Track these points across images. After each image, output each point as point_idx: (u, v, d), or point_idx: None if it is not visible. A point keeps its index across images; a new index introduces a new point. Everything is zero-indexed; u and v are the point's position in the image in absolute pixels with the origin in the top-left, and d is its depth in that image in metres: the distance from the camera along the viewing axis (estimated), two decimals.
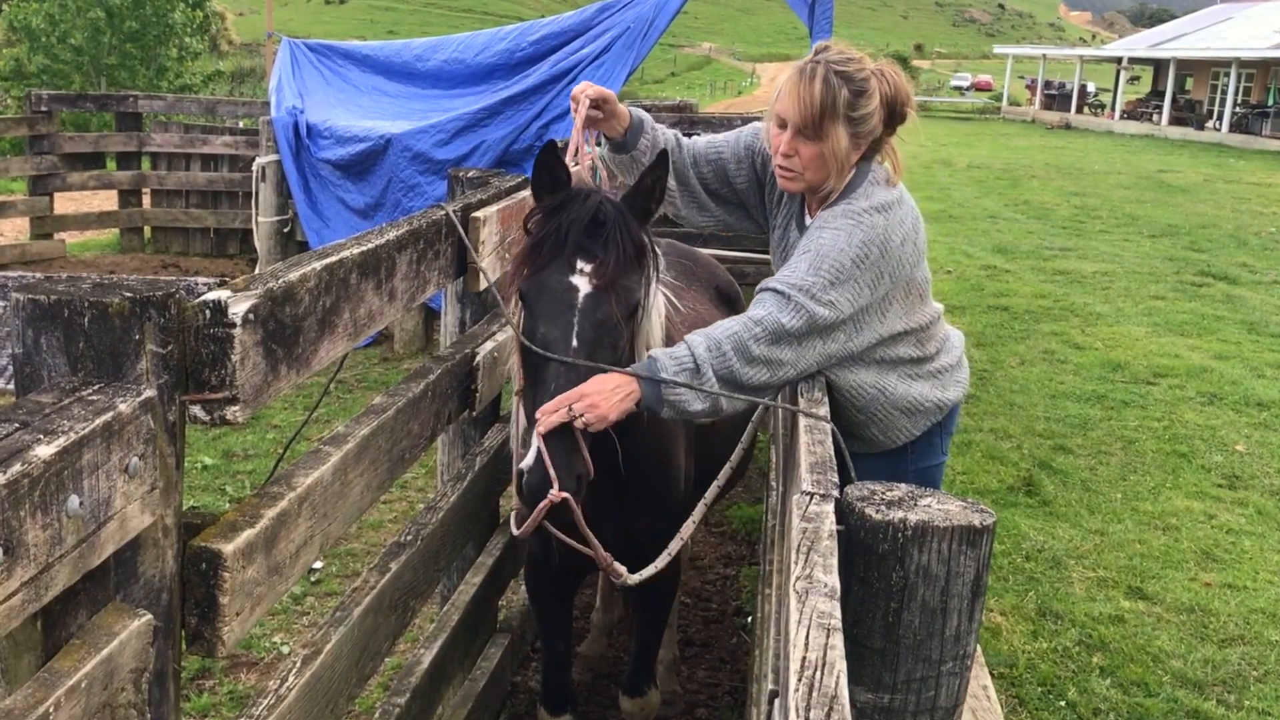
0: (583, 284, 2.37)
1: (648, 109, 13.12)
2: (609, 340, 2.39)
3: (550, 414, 2.26)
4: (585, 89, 2.68)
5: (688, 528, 2.60)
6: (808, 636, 1.34)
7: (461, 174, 3.71)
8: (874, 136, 2.58)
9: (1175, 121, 41.81)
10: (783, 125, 2.55)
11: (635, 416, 2.72)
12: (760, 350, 2.39)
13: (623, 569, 2.53)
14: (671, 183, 2.79)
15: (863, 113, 2.52)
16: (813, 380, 2.47)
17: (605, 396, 2.30)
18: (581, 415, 2.27)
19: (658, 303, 2.78)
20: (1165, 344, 9.31)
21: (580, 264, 2.38)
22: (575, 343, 2.33)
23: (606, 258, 2.37)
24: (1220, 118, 40.21)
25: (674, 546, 2.56)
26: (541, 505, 2.23)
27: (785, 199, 2.80)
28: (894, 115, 2.59)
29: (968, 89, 74.81)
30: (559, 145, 2.49)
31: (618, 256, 2.38)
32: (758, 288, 2.50)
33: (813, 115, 2.48)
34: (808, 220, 2.71)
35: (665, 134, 2.83)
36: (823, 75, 2.49)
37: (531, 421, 2.30)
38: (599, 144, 2.84)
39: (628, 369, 2.39)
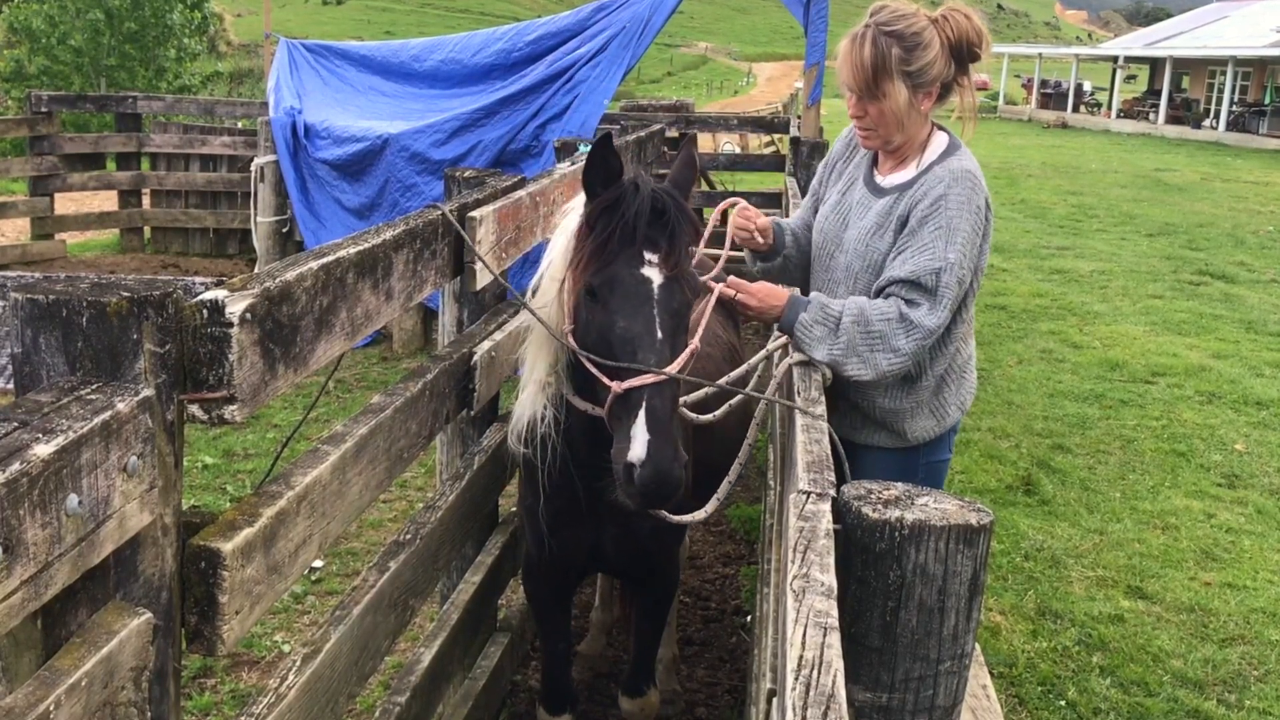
0: (655, 275, 2.39)
1: (644, 109, 12.93)
2: (683, 326, 2.43)
3: (731, 289, 2.67)
4: (755, 217, 2.90)
5: (712, 504, 2.78)
6: (805, 635, 1.34)
7: (458, 174, 3.70)
8: (942, 80, 2.68)
9: (1172, 120, 41.74)
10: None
11: None
12: (902, 343, 2.55)
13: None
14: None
15: (919, 65, 2.62)
16: (809, 379, 2.47)
17: (763, 302, 2.68)
18: (740, 302, 2.69)
19: None
20: (1163, 343, 9.31)
21: (648, 255, 2.39)
22: (660, 334, 2.35)
23: (675, 247, 2.40)
24: (1217, 116, 40.16)
25: (713, 503, 2.79)
26: (647, 379, 2.27)
27: (849, 167, 2.92)
28: (962, 55, 2.69)
29: None
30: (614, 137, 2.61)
31: (684, 245, 2.43)
32: (898, 276, 2.59)
33: (866, 78, 2.63)
34: (878, 178, 2.80)
35: (785, 224, 3.04)
36: (871, 38, 2.61)
37: (614, 411, 2.34)
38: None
39: (789, 293, 2.66)
